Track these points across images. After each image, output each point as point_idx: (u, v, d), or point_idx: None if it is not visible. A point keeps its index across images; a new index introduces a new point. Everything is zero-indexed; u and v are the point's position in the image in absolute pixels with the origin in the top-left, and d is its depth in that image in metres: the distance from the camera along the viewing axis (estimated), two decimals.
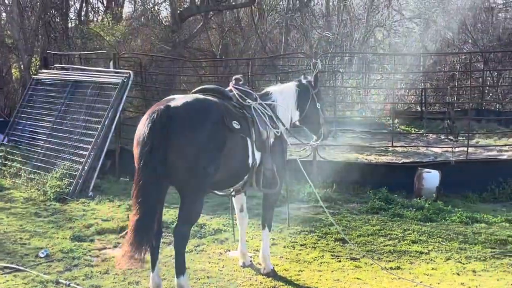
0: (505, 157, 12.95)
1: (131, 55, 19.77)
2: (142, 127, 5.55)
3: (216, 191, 6.48)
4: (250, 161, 6.11)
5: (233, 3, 25.49)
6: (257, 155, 6.19)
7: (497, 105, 20.50)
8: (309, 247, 7.70)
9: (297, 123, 7.15)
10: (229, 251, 7.53)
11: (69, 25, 25.39)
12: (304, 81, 7.14)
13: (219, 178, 5.83)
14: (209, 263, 7.04)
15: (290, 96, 6.94)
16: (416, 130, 17.86)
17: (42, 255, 7.30)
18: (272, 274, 6.63)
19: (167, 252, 7.29)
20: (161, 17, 26.10)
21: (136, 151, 5.57)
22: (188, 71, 23.11)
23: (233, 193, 6.66)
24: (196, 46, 25.26)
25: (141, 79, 17.99)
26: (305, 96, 7.03)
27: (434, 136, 16.96)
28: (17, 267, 6.82)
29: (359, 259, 7.24)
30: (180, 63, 21.62)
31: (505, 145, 14.28)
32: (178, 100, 5.71)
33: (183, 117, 5.55)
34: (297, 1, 27.11)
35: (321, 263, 7.07)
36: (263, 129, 6.27)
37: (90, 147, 11.57)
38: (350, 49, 23.88)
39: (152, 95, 20.87)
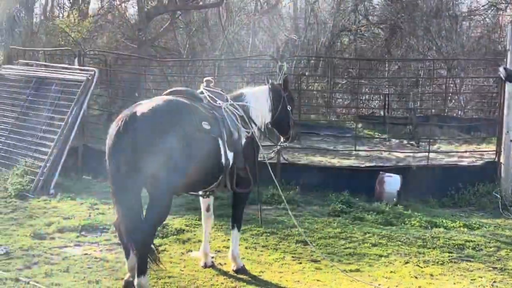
0: (465, 163, 13.19)
1: (97, 52, 19.61)
2: (109, 136, 5.66)
3: (191, 192, 6.60)
4: (223, 161, 6.19)
5: (201, 3, 25.44)
6: (230, 155, 6.28)
7: (459, 112, 20.84)
8: (271, 248, 7.76)
9: (269, 125, 7.25)
10: (191, 251, 7.54)
11: (34, 20, 25.07)
12: (276, 84, 7.28)
13: (192, 179, 5.91)
14: (171, 263, 7.05)
15: (263, 98, 7.09)
16: (379, 134, 18.08)
17: (1, 252, 7.23)
18: (242, 271, 6.74)
19: None
20: (127, 15, 25.90)
21: (106, 157, 5.68)
22: (154, 70, 22.98)
23: (207, 194, 6.72)
24: (162, 45, 25.14)
25: (107, 77, 17.84)
26: (277, 99, 7.18)
27: (397, 141, 17.19)
28: None
29: (319, 261, 7.32)
30: (146, 62, 21.50)
31: (466, 151, 14.53)
32: (144, 105, 5.82)
33: (149, 120, 5.63)
34: (265, 3, 27.18)
35: (282, 264, 7.13)
36: (234, 130, 6.36)
37: (52, 144, 11.46)
38: (316, 53, 24.00)
39: (118, 93, 20.74)
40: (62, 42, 21.04)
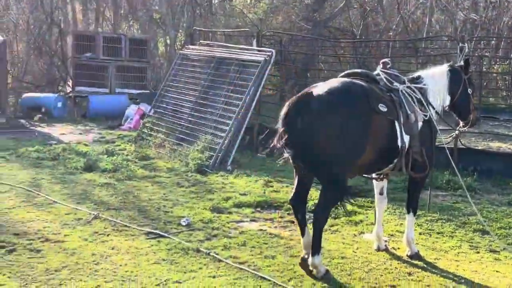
0: None
1: (272, 33, 20.00)
2: (284, 116, 5.81)
3: (364, 174, 6.63)
4: (399, 144, 6.12)
5: None
6: (406, 138, 6.18)
7: None
8: (446, 235, 7.53)
9: (447, 108, 7.02)
10: (364, 233, 7.53)
11: (213, 1, 26.09)
12: (456, 66, 7.02)
13: (367, 161, 5.93)
14: (343, 244, 7.09)
15: (442, 80, 6.85)
16: None
17: (183, 224, 7.68)
18: (416, 257, 6.61)
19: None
20: None
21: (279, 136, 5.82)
22: (327, 51, 23.05)
23: (381, 177, 6.70)
24: (336, 26, 25.09)
25: (280, 57, 18.18)
26: (457, 81, 6.91)
27: None
28: (161, 233, 7.22)
29: (498, 251, 6.99)
30: (319, 43, 21.62)
31: None
32: (320, 86, 5.96)
33: (326, 101, 5.75)
34: None
35: (458, 253, 6.91)
36: (411, 113, 6.23)
37: (230, 122, 11.94)
38: (497, 34, 22.76)
39: (291, 74, 21.07)
40: (240, 23, 21.70)
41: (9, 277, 5.74)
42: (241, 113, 12.01)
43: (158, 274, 5.91)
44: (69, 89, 21.36)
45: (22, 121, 18.03)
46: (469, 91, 7.01)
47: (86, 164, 10.82)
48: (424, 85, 6.72)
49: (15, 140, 14.09)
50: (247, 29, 19.15)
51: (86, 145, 13.60)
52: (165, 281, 5.74)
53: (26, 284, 5.59)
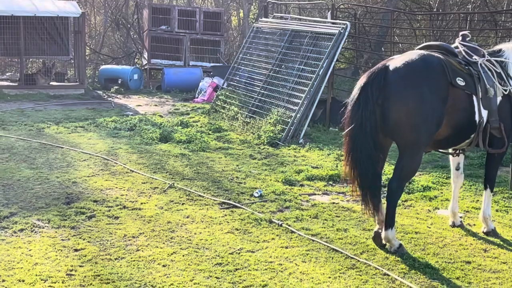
0: None
1: (347, 5, 19.75)
2: (359, 87, 5.81)
3: (440, 149, 6.54)
4: (476, 119, 5.99)
5: None
6: (484, 113, 6.03)
7: None
8: None
9: None
10: (438, 209, 7.43)
11: None
12: None
13: (443, 135, 5.86)
14: (417, 219, 7.02)
15: None
16: None
17: (256, 195, 7.76)
18: (492, 234, 6.47)
19: None
20: None
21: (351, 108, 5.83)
22: (402, 24, 22.60)
23: (457, 152, 6.58)
24: None
25: (354, 31, 17.96)
26: None
27: None
28: (234, 203, 7.34)
29: None
30: (394, 15, 21.20)
31: None
32: (397, 59, 5.92)
33: (403, 74, 5.70)
34: None
35: None
36: (490, 87, 6.07)
37: (303, 95, 11.91)
38: None
39: (364, 47, 20.80)
40: None
41: (89, 241, 5.96)
42: (314, 87, 11.95)
43: (232, 243, 6.02)
44: (144, 62, 21.78)
45: (100, 92, 18.57)
46: None
47: (162, 135, 11.05)
48: (505, 58, 6.52)
49: (93, 111, 14.54)
50: (322, 1, 18.96)
51: (161, 116, 13.88)
52: (238, 250, 5.85)
53: (105, 249, 5.80)
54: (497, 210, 7.39)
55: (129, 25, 24.56)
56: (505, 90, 6.26)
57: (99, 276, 5.15)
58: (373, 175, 5.86)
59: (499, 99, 6.19)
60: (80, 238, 6.04)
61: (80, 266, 5.36)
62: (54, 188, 7.75)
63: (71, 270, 5.25)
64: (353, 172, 5.89)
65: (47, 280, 5.05)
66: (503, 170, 8.55)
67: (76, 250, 5.73)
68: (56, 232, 6.19)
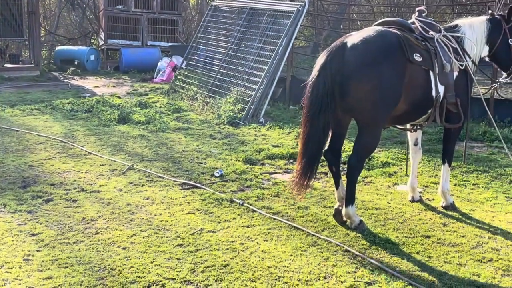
0: None
1: None
2: (318, 65, 5.78)
3: (398, 125, 6.56)
4: (433, 94, 6.02)
5: None
6: (441, 88, 6.06)
7: None
8: (482, 187, 7.45)
9: (486, 58, 6.85)
10: (397, 184, 7.49)
11: None
12: (497, 15, 6.79)
13: (401, 111, 5.88)
14: (377, 195, 7.07)
15: (480, 29, 6.64)
16: None
17: (217, 175, 7.71)
18: (451, 208, 6.55)
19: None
20: None
21: (311, 85, 5.78)
22: (360, 1, 22.66)
23: (415, 128, 6.62)
24: None
25: (313, 8, 17.92)
26: (497, 31, 6.67)
27: None
28: (195, 184, 7.28)
29: None
30: None
31: None
32: (355, 35, 5.89)
33: (360, 51, 5.68)
34: None
35: (494, 204, 6.83)
36: (446, 62, 6.10)
37: (263, 74, 11.85)
38: None
39: (323, 25, 20.80)
40: None
41: (46, 225, 5.84)
42: (273, 65, 11.90)
43: (193, 224, 5.97)
44: (101, 42, 21.43)
45: (56, 74, 18.22)
46: (510, 41, 6.80)
47: (120, 116, 10.91)
48: (462, 33, 6.56)
49: (49, 93, 14.26)
50: None
51: (119, 97, 13.69)
52: (199, 230, 5.80)
53: (63, 232, 5.69)
54: (455, 185, 7.48)
55: (84, 5, 24.10)
56: (461, 65, 6.30)
57: (57, 260, 5.05)
58: (319, 149, 5.82)
59: (455, 74, 6.23)
60: (37, 222, 5.92)
61: (37, 250, 5.25)
62: (9, 172, 7.58)
63: (28, 255, 5.15)
64: (305, 147, 5.83)
65: (3, 266, 4.93)
66: (461, 145, 8.66)
67: (33, 234, 5.61)
68: (12, 216, 6.05)
